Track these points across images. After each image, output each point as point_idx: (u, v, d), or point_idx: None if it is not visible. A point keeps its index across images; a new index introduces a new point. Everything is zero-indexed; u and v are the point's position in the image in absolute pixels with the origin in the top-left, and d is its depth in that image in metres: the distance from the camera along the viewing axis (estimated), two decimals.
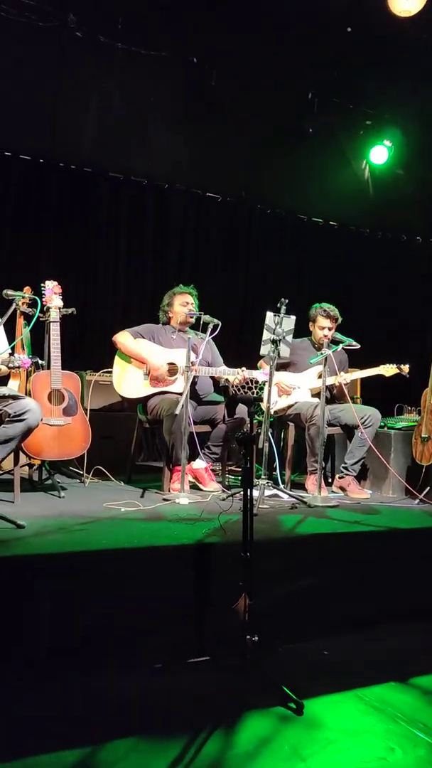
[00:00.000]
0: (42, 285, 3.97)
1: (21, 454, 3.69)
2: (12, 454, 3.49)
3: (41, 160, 5.83)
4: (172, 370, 4.23)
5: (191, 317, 4.36)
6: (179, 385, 4.14)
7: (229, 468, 4.82)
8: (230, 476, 4.72)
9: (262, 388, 4.04)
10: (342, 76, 6.63)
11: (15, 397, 3.41)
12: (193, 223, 6.64)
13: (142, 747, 1.98)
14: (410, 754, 2.03)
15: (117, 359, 4.33)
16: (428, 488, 4.25)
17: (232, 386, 4.10)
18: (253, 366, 4.69)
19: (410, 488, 4.33)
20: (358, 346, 4.29)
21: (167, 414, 3.99)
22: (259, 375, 4.05)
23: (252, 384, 4.04)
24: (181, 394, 3.86)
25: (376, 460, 4.47)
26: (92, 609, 2.49)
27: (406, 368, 4.40)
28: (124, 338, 4.31)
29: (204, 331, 4.17)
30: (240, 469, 4.91)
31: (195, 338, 4.23)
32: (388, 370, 4.38)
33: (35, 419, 3.34)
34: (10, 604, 2.37)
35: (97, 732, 2.05)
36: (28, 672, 2.33)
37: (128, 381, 4.26)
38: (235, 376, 4.10)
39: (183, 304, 4.42)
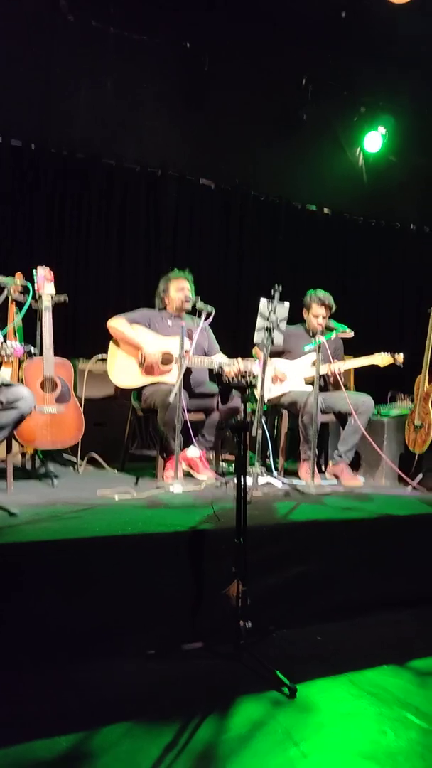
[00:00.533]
0: (34, 271, 3.94)
1: (14, 442, 3.68)
2: (5, 442, 3.48)
3: (33, 146, 5.77)
4: (167, 359, 4.20)
5: (187, 302, 4.31)
6: (174, 375, 4.11)
7: (223, 456, 4.82)
8: (224, 464, 4.72)
9: (256, 377, 4.03)
10: (336, 62, 6.59)
11: (7, 385, 3.39)
12: (186, 209, 6.60)
13: (135, 732, 1.99)
14: (402, 737, 2.04)
15: (111, 346, 4.28)
16: (420, 475, 4.27)
17: (226, 374, 4.07)
18: (247, 353, 4.68)
19: (403, 475, 4.35)
20: (352, 334, 4.28)
21: (161, 405, 3.97)
22: (255, 367, 4.02)
23: (247, 374, 4.02)
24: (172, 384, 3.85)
25: (369, 448, 4.48)
26: (86, 596, 2.50)
27: (400, 357, 4.39)
28: (118, 324, 4.25)
29: (199, 317, 4.14)
30: (233, 457, 4.94)
31: (190, 324, 4.20)
32: (382, 359, 4.37)
33: (28, 407, 3.32)
34: (3, 591, 2.36)
35: (91, 718, 2.05)
36: (22, 659, 2.33)
37: (122, 369, 4.23)
38: (230, 368, 4.06)
39: (179, 289, 4.38)
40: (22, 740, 1.91)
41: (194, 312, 4.26)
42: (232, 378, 3.90)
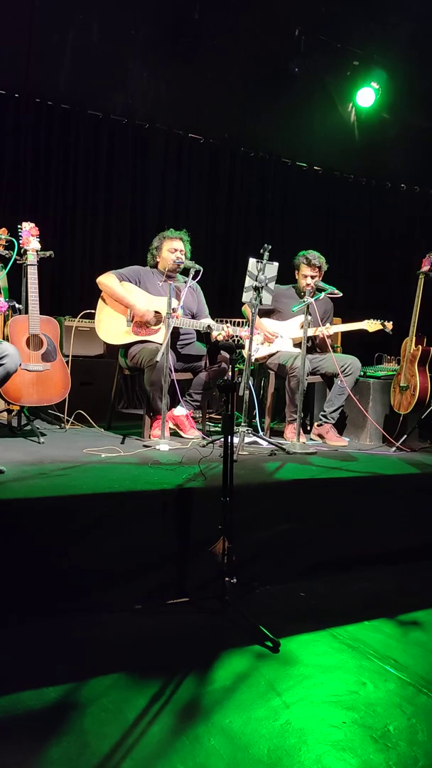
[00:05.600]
0: (19, 226, 3.86)
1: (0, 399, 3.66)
2: None
3: (17, 95, 5.59)
4: (157, 318, 4.17)
5: (179, 265, 4.23)
6: (162, 334, 4.09)
7: (209, 415, 4.84)
8: (210, 423, 4.74)
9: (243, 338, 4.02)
10: (330, 13, 6.40)
11: None
12: (174, 164, 6.48)
13: (122, 683, 2.04)
14: (381, 688, 2.11)
15: (100, 302, 4.22)
16: (405, 436, 4.32)
17: (214, 336, 4.06)
18: (235, 312, 4.66)
19: (387, 436, 4.40)
20: (341, 294, 4.26)
21: (148, 364, 3.95)
22: (244, 332, 4.00)
23: (235, 336, 4.01)
24: (160, 343, 3.83)
25: (355, 409, 4.52)
26: (73, 552, 2.52)
27: (389, 325, 4.37)
28: (109, 280, 4.17)
29: (188, 276, 4.09)
30: (220, 417, 4.96)
31: (179, 284, 4.15)
32: (371, 325, 4.35)
33: (14, 364, 3.29)
34: None
35: (79, 670, 2.10)
36: (12, 612, 2.36)
37: (111, 326, 4.19)
38: (218, 332, 4.03)
39: (171, 250, 4.27)
40: (12, 691, 1.95)
41: (187, 272, 4.19)
42: (221, 338, 3.90)
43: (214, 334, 4.03)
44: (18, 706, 1.89)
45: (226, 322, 4.67)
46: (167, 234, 4.34)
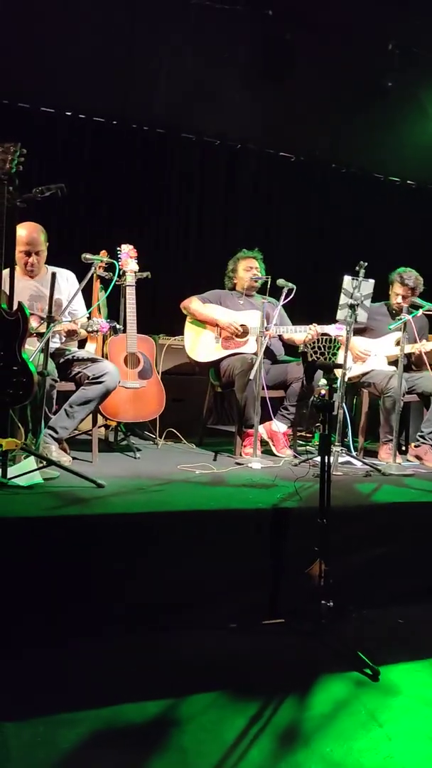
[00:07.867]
0: (117, 249, 4.00)
1: (98, 415, 3.78)
2: (90, 416, 3.58)
3: (114, 122, 5.82)
4: (244, 330, 4.23)
5: (256, 282, 4.33)
6: (251, 345, 4.16)
7: (299, 433, 4.79)
8: (300, 441, 4.69)
9: (335, 354, 3.98)
10: (424, 25, 6.28)
11: (93, 360, 3.49)
12: (265, 183, 6.53)
13: (221, 703, 2.04)
14: None
15: (188, 325, 4.34)
16: None
17: (306, 346, 4.05)
18: None
19: None
20: None
21: (239, 372, 3.99)
22: (331, 329, 4.01)
23: (324, 342, 3.99)
24: (254, 354, 3.86)
25: None
26: (170, 568, 2.55)
27: None
28: (192, 304, 4.31)
29: (273, 295, 4.13)
30: (310, 435, 4.90)
31: (267, 304, 4.19)
32: None
33: (113, 382, 3.41)
34: (93, 561, 2.45)
35: (178, 686, 2.11)
36: (115, 628, 2.41)
37: (201, 345, 4.27)
38: (306, 332, 4.07)
39: (247, 269, 4.40)
40: (114, 702, 1.99)
41: (265, 291, 4.22)
42: (312, 347, 3.88)
43: (303, 336, 4.06)
44: (120, 718, 1.93)
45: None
46: (240, 255, 4.49)
